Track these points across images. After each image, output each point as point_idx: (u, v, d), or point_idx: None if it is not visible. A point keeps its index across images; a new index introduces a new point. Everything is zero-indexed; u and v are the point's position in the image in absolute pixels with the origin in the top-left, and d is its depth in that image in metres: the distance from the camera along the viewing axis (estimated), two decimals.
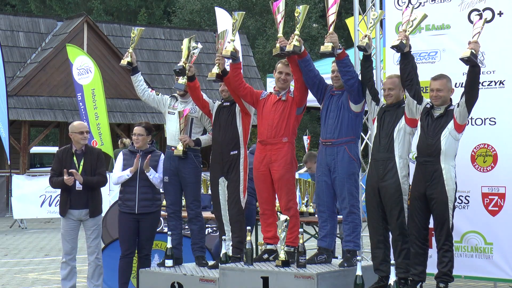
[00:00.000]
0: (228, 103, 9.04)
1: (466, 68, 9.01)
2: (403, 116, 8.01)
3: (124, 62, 9.50)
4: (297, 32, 8.25)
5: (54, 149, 32.01)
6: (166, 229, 10.47)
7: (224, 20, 17.46)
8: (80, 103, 22.32)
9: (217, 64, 8.80)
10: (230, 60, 8.77)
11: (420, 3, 9.43)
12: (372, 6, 9.98)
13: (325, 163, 8.45)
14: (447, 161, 7.70)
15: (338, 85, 8.42)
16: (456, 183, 7.74)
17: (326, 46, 8.02)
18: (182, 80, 9.11)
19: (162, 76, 29.78)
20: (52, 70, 26.37)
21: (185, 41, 9.25)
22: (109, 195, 20.12)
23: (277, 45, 8.40)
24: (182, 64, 8.96)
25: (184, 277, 8.91)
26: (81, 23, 27.49)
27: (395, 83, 8.12)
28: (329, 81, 8.71)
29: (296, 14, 8.46)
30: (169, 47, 30.99)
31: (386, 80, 8.34)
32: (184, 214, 9.74)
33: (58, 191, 19.87)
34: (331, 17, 8.14)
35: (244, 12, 9.30)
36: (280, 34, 8.43)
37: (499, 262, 8.73)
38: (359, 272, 7.64)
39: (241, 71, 8.98)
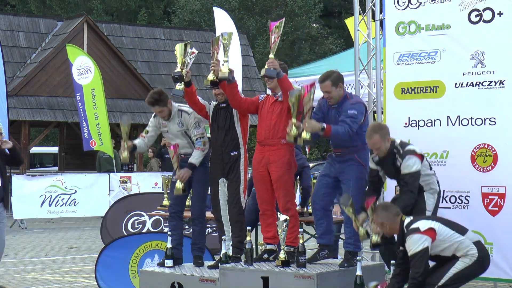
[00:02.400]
0: (225, 105, 9.04)
1: (466, 67, 9.10)
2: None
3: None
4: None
5: (54, 149, 32.10)
6: (166, 229, 10.49)
7: (223, 20, 17.47)
8: (79, 103, 22.35)
9: (212, 71, 8.82)
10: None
11: (420, 3, 9.42)
12: (372, 6, 10.00)
13: (334, 168, 8.51)
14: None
15: (333, 102, 8.43)
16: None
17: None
18: (180, 86, 9.09)
19: (162, 76, 29.78)
20: (52, 70, 26.39)
21: (179, 46, 9.22)
22: (109, 195, 20.19)
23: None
24: (180, 71, 8.97)
25: (184, 277, 8.91)
26: (81, 23, 27.50)
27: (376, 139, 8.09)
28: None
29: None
30: (169, 47, 30.98)
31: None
32: (186, 214, 9.76)
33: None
34: (307, 106, 8.17)
35: (232, 32, 9.31)
36: (271, 55, 8.43)
37: (499, 262, 8.71)
38: (359, 272, 7.65)
39: (238, 88, 9.02)
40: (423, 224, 7.37)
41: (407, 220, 7.49)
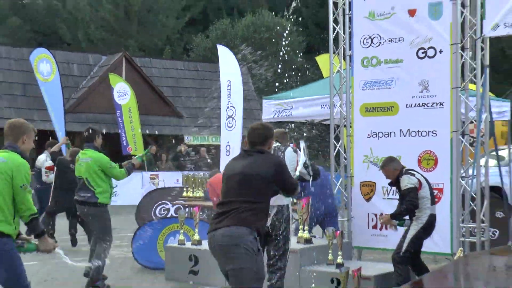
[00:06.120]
0: None
1: (414, 92, 9.15)
2: None
3: None
4: None
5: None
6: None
7: (226, 55, 17.39)
8: (119, 119, 22.44)
9: None
10: None
11: (380, 42, 9.48)
12: (344, 45, 10.05)
13: None
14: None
15: None
16: None
17: None
18: None
19: (182, 98, 29.93)
20: (98, 93, 26.44)
21: None
22: (142, 188, 20.22)
23: None
24: None
25: (199, 251, 8.98)
26: (121, 57, 27.61)
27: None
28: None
29: None
30: (188, 76, 31.12)
31: None
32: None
33: None
34: None
35: None
36: None
37: (437, 240, 8.78)
38: None
39: None
40: (417, 174, 7.81)
41: (406, 169, 7.90)
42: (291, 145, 7.25)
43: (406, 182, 7.65)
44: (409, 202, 7.60)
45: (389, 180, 8.21)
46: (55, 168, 12.46)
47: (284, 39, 40.54)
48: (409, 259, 7.70)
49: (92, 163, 8.51)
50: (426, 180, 7.86)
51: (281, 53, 39.41)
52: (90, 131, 8.83)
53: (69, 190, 10.03)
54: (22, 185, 5.22)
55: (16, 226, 5.30)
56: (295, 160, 6.79)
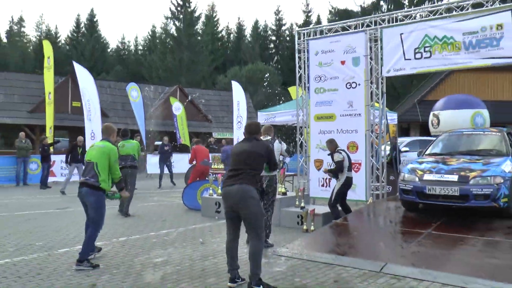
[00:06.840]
0: None
1: (344, 107, 8.94)
2: None
3: None
4: None
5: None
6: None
7: (237, 87, 17.24)
8: (176, 123, 22.20)
9: None
10: None
11: (325, 79, 9.27)
12: (305, 81, 9.89)
13: None
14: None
15: None
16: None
17: None
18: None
19: (211, 111, 29.69)
20: (163, 108, 26.22)
21: None
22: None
23: None
24: None
25: (221, 200, 8.83)
26: (176, 87, 27.41)
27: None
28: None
29: None
30: (215, 99, 30.87)
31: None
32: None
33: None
34: None
35: None
36: None
37: (358, 192, 8.70)
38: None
39: None
40: (343, 152, 7.47)
41: (338, 148, 7.53)
42: (276, 138, 7.17)
43: (337, 157, 7.47)
44: (337, 168, 7.44)
45: (330, 156, 8.03)
46: None
47: (270, 78, 40.37)
48: (337, 204, 7.50)
49: (132, 147, 8.79)
50: (348, 156, 7.64)
51: (266, 86, 39.14)
52: (124, 131, 9.00)
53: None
54: (115, 160, 5.32)
55: (110, 185, 5.37)
56: (280, 148, 6.81)
